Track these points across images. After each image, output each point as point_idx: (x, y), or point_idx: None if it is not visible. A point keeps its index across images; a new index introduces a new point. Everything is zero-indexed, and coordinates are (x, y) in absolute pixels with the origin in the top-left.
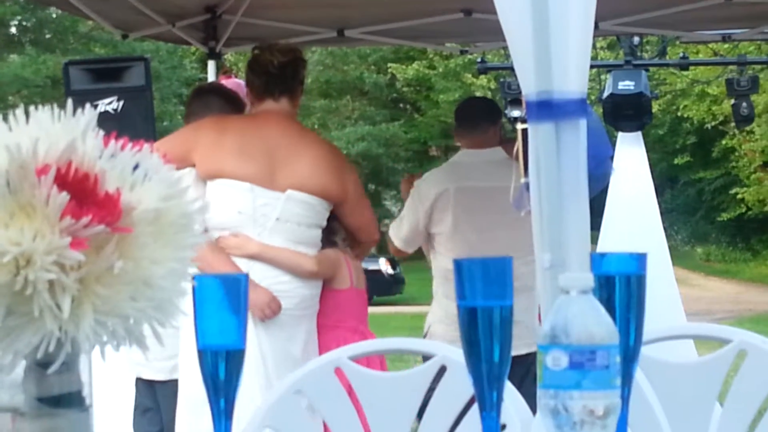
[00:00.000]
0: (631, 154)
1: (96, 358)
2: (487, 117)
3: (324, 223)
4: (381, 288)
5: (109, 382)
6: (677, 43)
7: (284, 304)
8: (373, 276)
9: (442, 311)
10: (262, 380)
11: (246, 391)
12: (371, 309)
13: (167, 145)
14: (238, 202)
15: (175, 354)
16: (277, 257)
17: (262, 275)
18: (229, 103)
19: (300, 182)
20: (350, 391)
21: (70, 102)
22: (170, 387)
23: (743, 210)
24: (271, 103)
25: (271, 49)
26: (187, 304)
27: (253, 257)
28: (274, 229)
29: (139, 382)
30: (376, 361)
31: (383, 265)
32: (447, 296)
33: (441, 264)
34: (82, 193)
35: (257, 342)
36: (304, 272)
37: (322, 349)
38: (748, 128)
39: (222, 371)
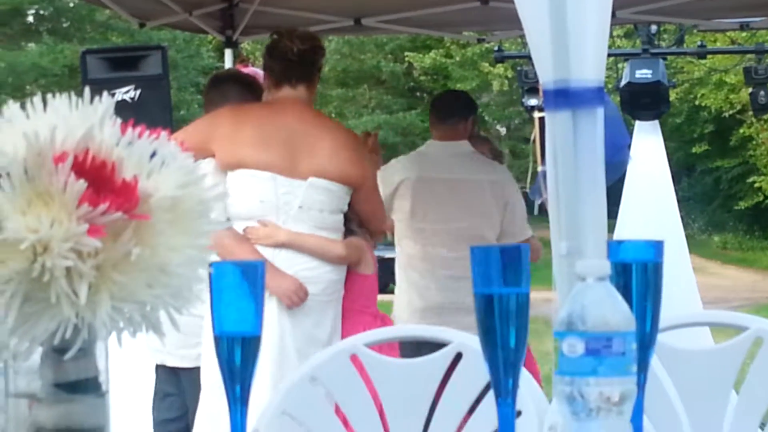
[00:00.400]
0: (648, 143)
1: (116, 344)
2: (459, 111)
3: (345, 208)
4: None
5: (129, 368)
6: (695, 31)
7: (311, 290)
8: (390, 264)
9: (404, 299)
10: (284, 367)
11: (267, 378)
12: (388, 296)
13: (184, 135)
14: (260, 191)
15: (198, 342)
16: (306, 244)
17: (288, 263)
18: (247, 90)
19: (321, 169)
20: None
21: (87, 90)
22: (195, 374)
23: (761, 198)
24: (288, 90)
25: (290, 35)
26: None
27: (283, 245)
28: (297, 217)
29: (161, 368)
30: (393, 347)
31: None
32: (409, 284)
33: (401, 251)
34: (100, 181)
35: (279, 329)
36: (333, 257)
37: (347, 333)
38: (765, 117)
39: (238, 358)
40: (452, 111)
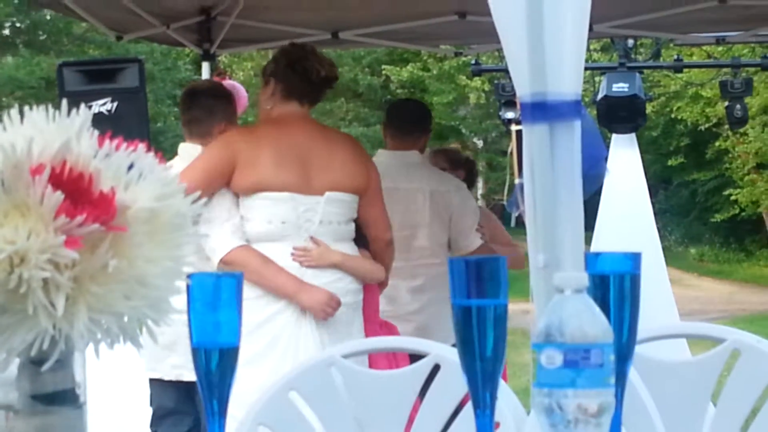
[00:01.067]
0: (625, 156)
1: (110, 361)
2: (417, 122)
3: (355, 216)
4: None
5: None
6: (671, 45)
7: (342, 301)
8: None
9: None
10: None
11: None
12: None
13: (204, 165)
14: (281, 213)
15: None
16: (355, 267)
17: (317, 276)
18: (229, 103)
19: (335, 183)
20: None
21: (65, 102)
22: None
23: (737, 211)
24: (295, 106)
25: (318, 57)
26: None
27: (334, 266)
28: (318, 233)
29: (164, 384)
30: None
31: None
32: None
33: None
34: (77, 193)
35: (321, 345)
36: (376, 281)
37: None
38: (741, 130)
39: (215, 369)
40: (411, 121)
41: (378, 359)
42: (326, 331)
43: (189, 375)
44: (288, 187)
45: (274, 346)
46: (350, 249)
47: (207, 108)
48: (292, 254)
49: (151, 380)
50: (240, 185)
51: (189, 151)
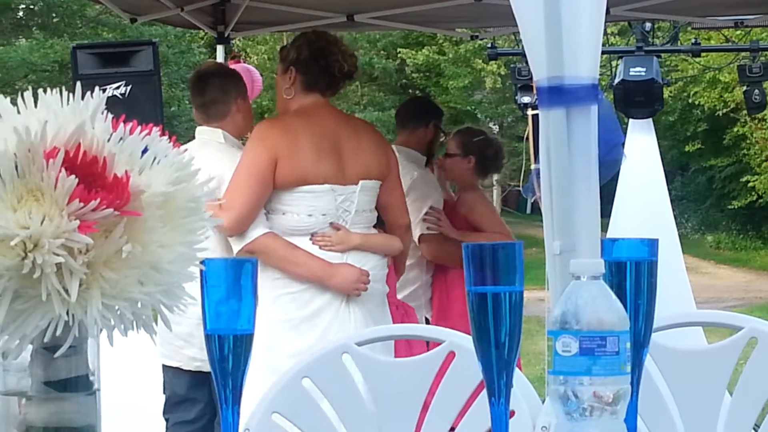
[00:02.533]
0: (641, 141)
1: (122, 347)
2: (415, 118)
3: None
4: None
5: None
6: (689, 29)
7: (380, 287)
8: None
9: None
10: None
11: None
12: None
13: (250, 170)
14: (321, 205)
15: None
16: (375, 244)
17: (359, 264)
18: (238, 80)
19: (367, 171)
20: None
21: (79, 85)
22: None
23: (754, 198)
24: (318, 97)
25: (343, 52)
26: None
27: (356, 248)
28: (353, 221)
29: (179, 372)
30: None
31: None
32: None
33: None
34: (91, 177)
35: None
36: (395, 251)
37: None
38: (759, 115)
39: (228, 356)
40: (410, 118)
41: (397, 344)
42: (371, 320)
43: (207, 367)
44: (327, 178)
45: (325, 337)
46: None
47: (221, 88)
48: (311, 240)
49: (166, 367)
50: (282, 180)
51: (208, 134)
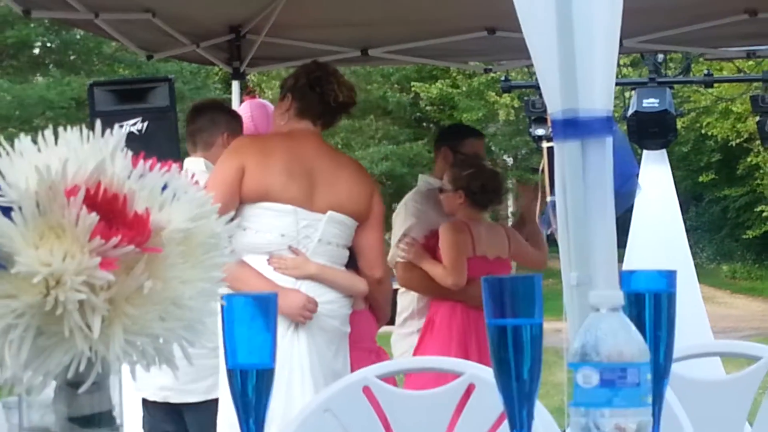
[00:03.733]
0: (655, 172)
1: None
2: (434, 146)
3: (350, 243)
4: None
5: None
6: (701, 60)
7: (333, 324)
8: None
9: None
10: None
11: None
12: (388, 327)
13: (220, 178)
14: (281, 225)
15: (207, 375)
16: (334, 278)
17: (307, 291)
18: (232, 118)
19: (339, 203)
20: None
21: (98, 123)
22: (202, 409)
23: None
24: (308, 125)
25: (338, 81)
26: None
27: (311, 278)
28: (315, 251)
29: (155, 405)
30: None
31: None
32: None
33: None
34: (112, 214)
35: (309, 363)
36: (358, 292)
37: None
38: None
39: (251, 390)
40: (433, 146)
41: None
42: (316, 354)
43: (176, 397)
44: (292, 200)
45: None
46: None
47: (210, 118)
48: (268, 261)
49: (143, 400)
50: (246, 191)
51: (191, 164)
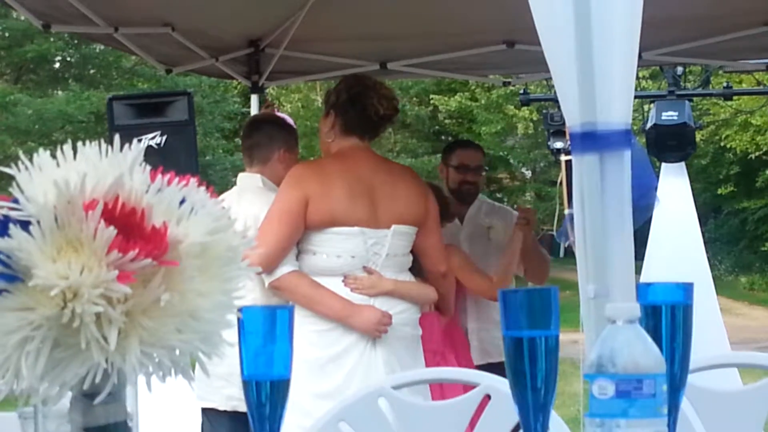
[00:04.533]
0: (674, 185)
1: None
2: None
3: (412, 247)
4: None
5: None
6: (720, 72)
7: (408, 331)
8: None
9: None
10: None
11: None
12: None
13: (282, 209)
14: (351, 247)
15: None
16: (408, 292)
17: (381, 305)
18: (288, 133)
19: (400, 216)
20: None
21: (117, 137)
22: None
23: None
24: (356, 141)
25: (378, 95)
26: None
27: (386, 294)
28: (384, 265)
29: (220, 414)
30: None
31: None
32: None
33: None
34: (129, 228)
35: (386, 374)
36: (430, 301)
37: None
38: None
39: (266, 402)
40: None
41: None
42: (397, 364)
43: (244, 406)
44: (359, 221)
45: (351, 379)
46: (408, 278)
47: (267, 134)
48: (343, 281)
49: (204, 410)
50: (312, 220)
51: (248, 180)
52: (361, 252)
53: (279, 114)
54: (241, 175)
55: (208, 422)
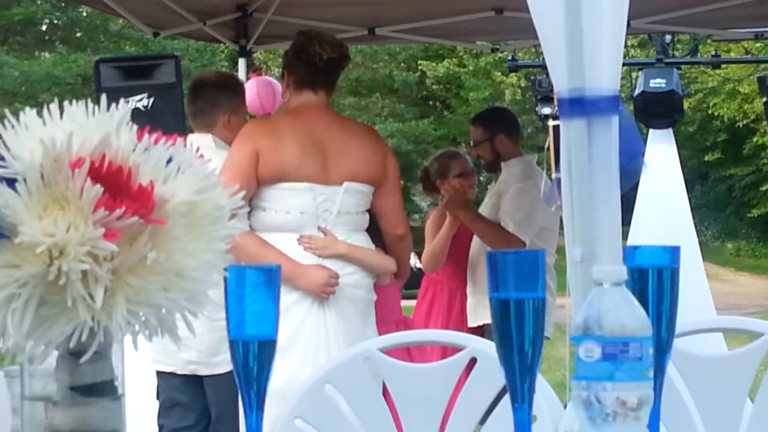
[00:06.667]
0: (661, 151)
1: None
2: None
3: (369, 206)
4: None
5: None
6: (709, 41)
7: (359, 293)
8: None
9: None
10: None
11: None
12: (406, 302)
13: (233, 165)
14: (300, 203)
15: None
16: (363, 258)
17: (329, 266)
18: (235, 94)
19: (353, 173)
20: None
21: (104, 97)
22: (222, 380)
23: None
24: (310, 95)
25: (320, 41)
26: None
27: (340, 257)
28: (335, 223)
29: (172, 377)
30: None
31: (412, 260)
32: None
33: None
34: (116, 186)
35: (336, 334)
36: (387, 271)
37: None
38: None
39: (253, 361)
40: None
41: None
42: (345, 325)
43: (204, 370)
44: (309, 177)
45: (296, 338)
46: (363, 239)
47: (211, 99)
48: (298, 240)
49: (159, 373)
50: (262, 175)
51: (198, 141)
52: (310, 208)
53: (261, 79)
54: (191, 136)
55: (164, 386)
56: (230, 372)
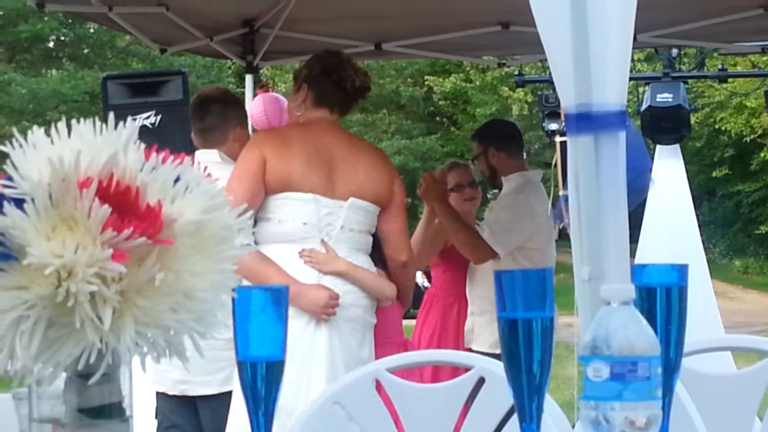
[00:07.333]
0: (669, 167)
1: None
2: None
3: (374, 228)
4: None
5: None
6: (715, 55)
7: (356, 312)
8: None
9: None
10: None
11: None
12: (408, 322)
13: (241, 173)
14: (303, 213)
15: (222, 367)
16: (362, 279)
17: (330, 283)
18: (239, 107)
19: (359, 190)
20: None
21: (111, 115)
22: (216, 401)
23: None
24: (325, 113)
25: (355, 68)
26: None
27: (339, 275)
28: (338, 238)
29: (168, 398)
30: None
31: (419, 279)
32: None
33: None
34: (124, 206)
35: (331, 353)
36: (385, 297)
37: None
38: None
39: (261, 382)
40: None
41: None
42: (340, 345)
43: (194, 390)
44: (314, 188)
45: (291, 355)
46: (364, 260)
47: (220, 115)
48: (300, 253)
49: (157, 393)
50: (268, 182)
51: (204, 157)
52: (313, 220)
53: (268, 95)
54: (197, 153)
55: (160, 406)
56: (224, 393)
